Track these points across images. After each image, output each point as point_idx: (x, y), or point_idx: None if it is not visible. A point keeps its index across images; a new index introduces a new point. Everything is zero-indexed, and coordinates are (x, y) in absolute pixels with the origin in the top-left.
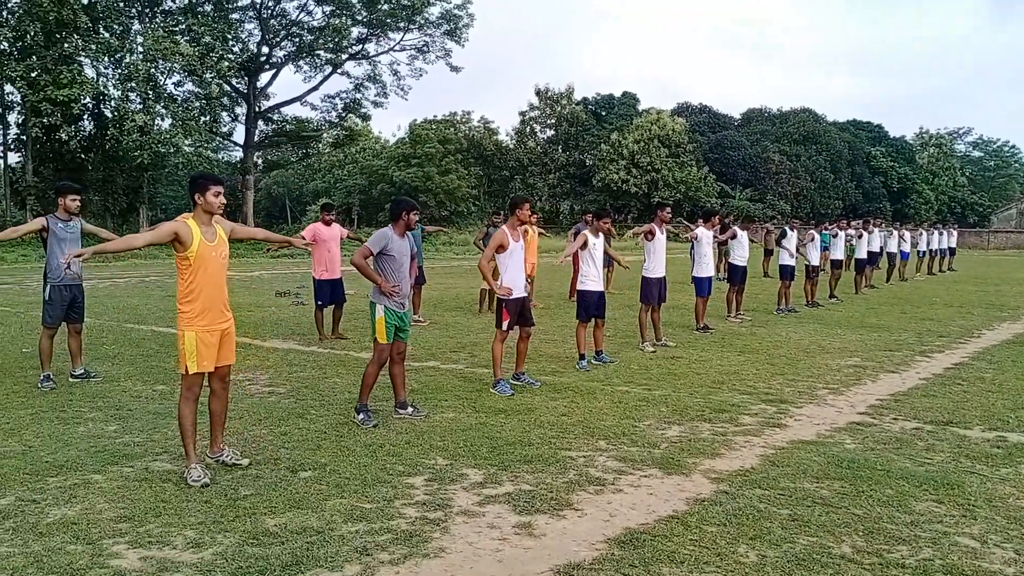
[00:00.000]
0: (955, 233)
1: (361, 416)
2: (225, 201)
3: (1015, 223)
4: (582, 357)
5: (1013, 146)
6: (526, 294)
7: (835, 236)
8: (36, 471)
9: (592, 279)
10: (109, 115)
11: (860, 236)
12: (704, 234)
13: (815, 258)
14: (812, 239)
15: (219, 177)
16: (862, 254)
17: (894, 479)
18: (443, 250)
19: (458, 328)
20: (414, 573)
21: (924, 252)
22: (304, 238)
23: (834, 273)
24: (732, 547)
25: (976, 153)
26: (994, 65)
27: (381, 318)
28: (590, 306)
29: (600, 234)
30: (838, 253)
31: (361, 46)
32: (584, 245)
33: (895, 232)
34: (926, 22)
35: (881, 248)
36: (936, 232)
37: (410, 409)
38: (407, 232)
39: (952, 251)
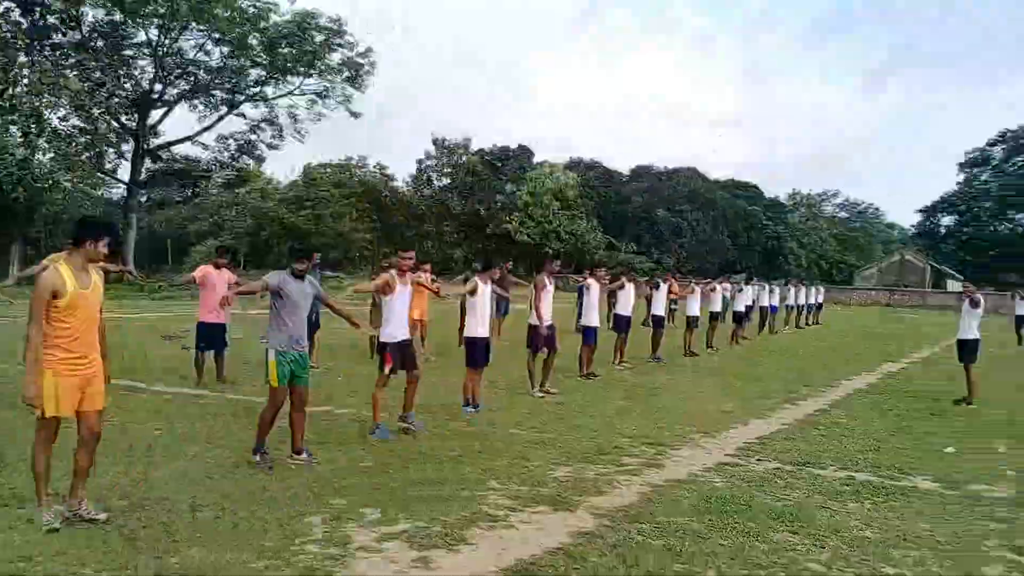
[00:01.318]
0: (823, 289)
1: (257, 457)
2: (107, 252)
3: (875, 281)
4: (466, 403)
5: (876, 208)
6: (409, 338)
7: (712, 290)
8: None
9: (480, 326)
10: None
11: (740, 291)
12: (593, 285)
13: (694, 310)
14: (692, 292)
15: (114, 228)
16: (739, 308)
17: (756, 513)
18: (336, 295)
19: (351, 374)
20: None
21: (793, 307)
22: (195, 279)
23: (711, 325)
24: (611, 574)
25: (843, 214)
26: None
27: (272, 361)
28: (478, 353)
29: (489, 282)
30: (716, 306)
31: (259, 88)
32: (473, 291)
33: (767, 287)
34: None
35: (754, 302)
36: (803, 288)
37: (305, 455)
38: (307, 277)
39: (819, 306)
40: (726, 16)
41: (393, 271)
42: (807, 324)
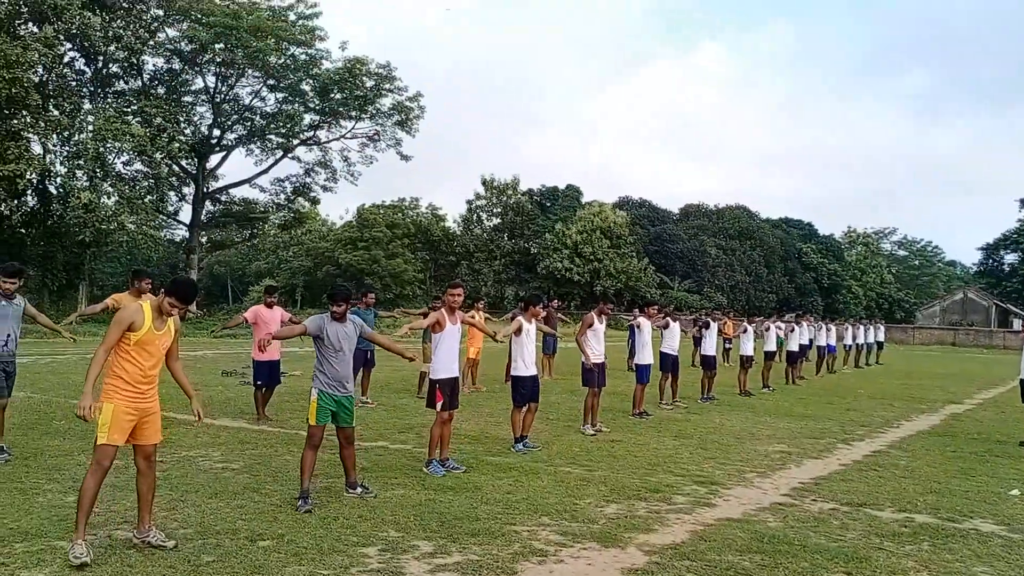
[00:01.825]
0: (882, 328)
1: (300, 502)
2: (173, 314)
3: (938, 320)
4: (517, 440)
5: (936, 246)
6: (458, 375)
7: (766, 329)
8: (2, 537)
9: (525, 364)
10: (54, 191)
11: (792, 330)
12: (645, 323)
13: (749, 349)
14: (745, 331)
15: (191, 294)
16: (793, 347)
17: (809, 553)
18: (389, 333)
19: (405, 409)
20: None
21: (851, 346)
22: (246, 319)
23: (766, 364)
24: None
25: (901, 252)
26: (917, 171)
27: (314, 400)
28: (524, 391)
29: (533, 320)
30: (770, 345)
31: (313, 132)
32: (518, 331)
33: (824, 326)
34: (852, 129)
35: (811, 341)
36: (863, 327)
37: (359, 489)
38: (349, 318)
39: (880, 345)
40: (776, 51)
41: (443, 309)
42: (867, 364)
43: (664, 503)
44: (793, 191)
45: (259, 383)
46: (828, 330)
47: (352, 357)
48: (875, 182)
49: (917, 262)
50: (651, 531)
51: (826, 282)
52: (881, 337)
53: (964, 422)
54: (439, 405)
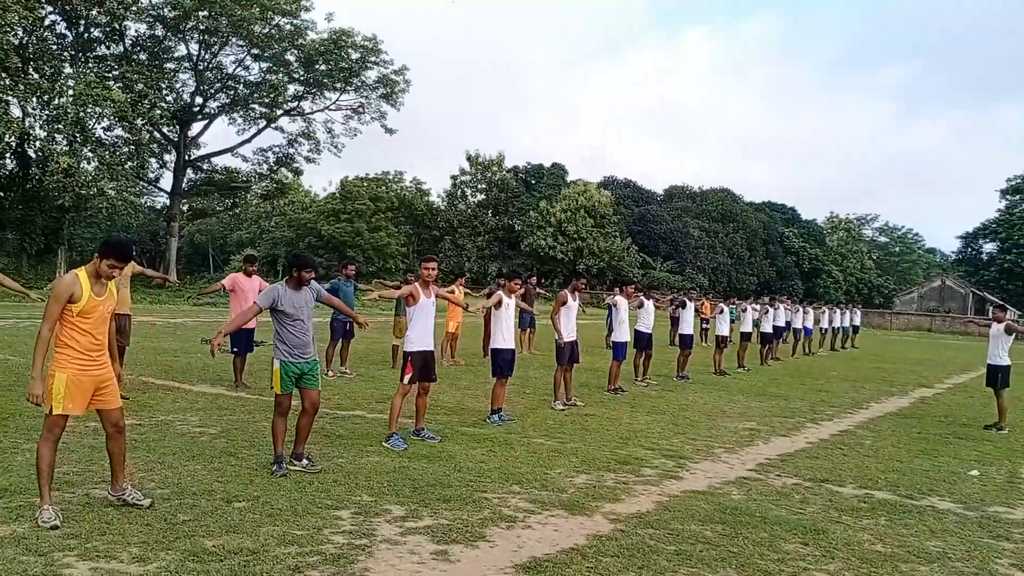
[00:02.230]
0: (859, 312)
1: (275, 467)
2: (114, 276)
3: (916, 306)
4: (493, 412)
5: (916, 234)
6: (431, 349)
7: (743, 311)
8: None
9: (504, 338)
10: (33, 155)
11: (766, 312)
12: (622, 302)
13: (725, 330)
14: (721, 311)
15: (126, 251)
16: (768, 328)
17: (769, 524)
18: (370, 305)
19: (383, 380)
20: None
21: (827, 329)
22: (224, 286)
23: (742, 345)
24: (622, 574)
25: (882, 239)
26: (899, 162)
27: (277, 370)
28: (503, 363)
29: (512, 295)
30: (746, 326)
31: (297, 103)
32: (498, 305)
33: (801, 309)
34: (836, 119)
35: (787, 323)
36: (839, 311)
37: (304, 461)
38: (303, 286)
39: (856, 329)
40: (763, 40)
41: (417, 283)
42: (843, 347)
43: (632, 475)
44: (777, 177)
45: (235, 350)
46: (805, 313)
47: (311, 324)
48: (857, 172)
49: (897, 249)
50: (618, 501)
51: (807, 266)
52: (857, 321)
53: (932, 405)
54: (407, 377)
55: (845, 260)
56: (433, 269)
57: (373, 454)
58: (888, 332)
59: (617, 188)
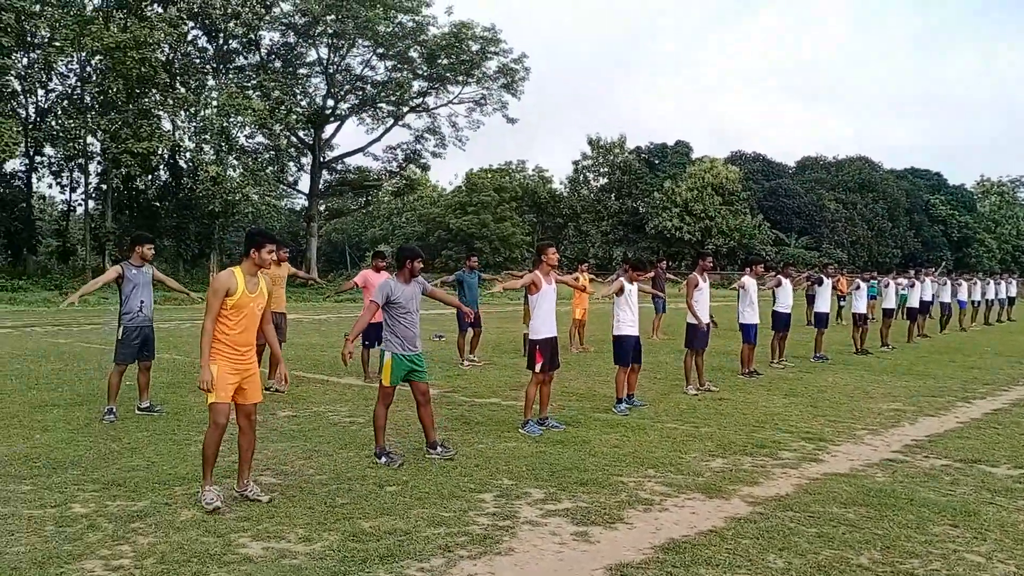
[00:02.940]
0: (1015, 283)
1: (383, 459)
2: (275, 259)
3: None
4: (619, 400)
5: None
6: (555, 335)
7: (886, 286)
8: (162, 481)
9: (628, 324)
10: (184, 166)
11: (912, 286)
12: (750, 283)
13: (862, 307)
14: (858, 288)
15: (274, 236)
16: (914, 303)
17: (916, 507)
18: (500, 296)
19: (516, 368)
20: (488, 566)
21: (980, 302)
22: (356, 283)
23: (885, 322)
24: (762, 556)
25: None
26: None
27: (388, 362)
28: (628, 351)
29: (635, 282)
30: (890, 302)
31: (421, 99)
32: (620, 291)
33: (949, 282)
34: (990, 67)
35: (934, 297)
36: (993, 282)
37: (439, 449)
38: (413, 278)
39: (1012, 301)
40: None
41: (538, 270)
42: (998, 320)
43: (770, 458)
44: (921, 139)
45: (366, 343)
46: (957, 285)
47: (418, 316)
48: (1014, 125)
49: None
50: (755, 484)
51: (956, 235)
52: (1013, 292)
53: None
54: (538, 366)
55: (999, 227)
56: (554, 255)
57: (511, 440)
58: None
59: (746, 163)
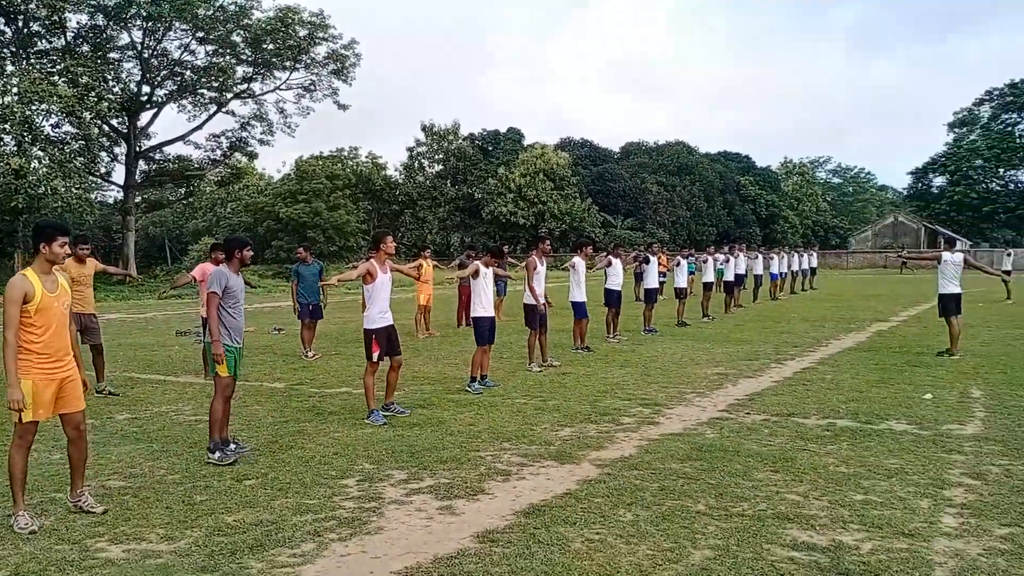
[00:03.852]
0: (815, 255)
1: (217, 455)
2: (69, 252)
3: (871, 244)
4: (472, 379)
5: (869, 172)
6: (392, 324)
7: (704, 262)
8: (3, 493)
9: (483, 307)
10: None
11: (727, 261)
12: (579, 263)
13: (682, 281)
14: (678, 264)
15: (65, 226)
16: (730, 277)
17: (742, 457)
18: (337, 286)
19: (360, 358)
20: (360, 545)
21: (786, 273)
22: (195, 277)
23: (705, 295)
24: (614, 511)
25: (836, 180)
26: (853, 101)
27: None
28: (484, 331)
29: (490, 266)
30: (708, 276)
31: (246, 85)
32: (476, 274)
33: (760, 256)
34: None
35: (747, 270)
36: (797, 254)
37: (233, 446)
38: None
39: (813, 271)
40: None
41: (373, 259)
42: (803, 289)
43: (613, 424)
44: (733, 126)
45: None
46: (769, 259)
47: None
48: (812, 113)
49: (851, 189)
50: (602, 448)
51: (764, 213)
52: (815, 264)
53: (887, 338)
54: (375, 355)
55: (800, 204)
56: (391, 244)
57: (367, 427)
58: (845, 271)
59: (574, 148)
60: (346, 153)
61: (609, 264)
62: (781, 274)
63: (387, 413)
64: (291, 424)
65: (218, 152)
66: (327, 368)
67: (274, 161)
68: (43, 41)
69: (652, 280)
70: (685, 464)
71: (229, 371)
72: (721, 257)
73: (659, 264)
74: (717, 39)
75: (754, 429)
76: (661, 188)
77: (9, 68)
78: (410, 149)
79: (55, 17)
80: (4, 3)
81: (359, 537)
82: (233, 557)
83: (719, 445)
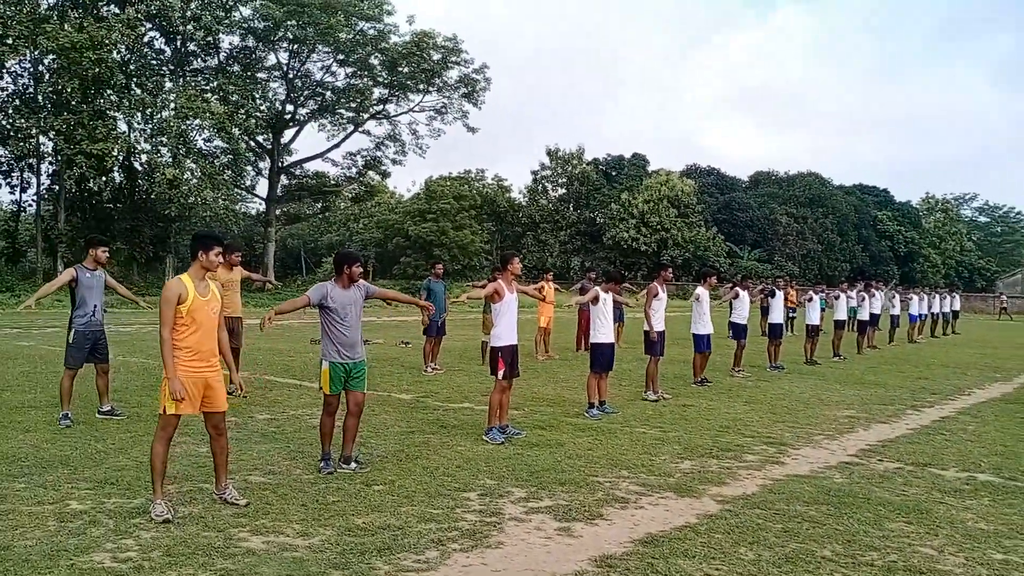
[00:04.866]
0: (958, 297)
1: (321, 464)
2: (223, 261)
3: (1021, 288)
4: (591, 406)
5: (1019, 212)
6: (517, 343)
7: (836, 298)
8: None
9: (604, 333)
10: (139, 168)
11: (863, 299)
12: (703, 294)
13: (815, 318)
14: (811, 299)
15: (221, 237)
16: (864, 316)
17: (873, 505)
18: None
19: (483, 375)
20: (481, 557)
21: (926, 315)
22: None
23: (836, 333)
24: (734, 548)
25: (982, 219)
26: (999, 135)
27: (325, 371)
28: (603, 358)
29: (610, 292)
30: (840, 314)
31: (382, 106)
32: (596, 300)
33: (897, 295)
34: (932, 93)
35: (883, 310)
36: (939, 296)
37: (354, 464)
38: (353, 284)
39: (956, 314)
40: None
41: (501, 279)
42: (944, 333)
43: (735, 460)
44: (871, 158)
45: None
46: (908, 299)
47: (359, 323)
48: (957, 148)
49: (999, 229)
50: (723, 484)
51: (903, 250)
52: (957, 307)
53: None
54: (500, 373)
55: (943, 242)
56: (518, 265)
57: (487, 443)
58: (992, 316)
59: (700, 176)
60: (473, 175)
61: (736, 296)
62: (921, 316)
63: (504, 435)
64: (417, 435)
65: (353, 170)
66: (450, 383)
67: (405, 180)
68: (198, 60)
69: (777, 315)
70: (811, 507)
71: (333, 389)
72: (854, 294)
73: (786, 299)
74: (855, 67)
75: (887, 477)
76: (791, 220)
77: (168, 85)
78: (534, 172)
79: (210, 38)
80: (165, 24)
81: (480, 550)
82: (362, 557)
83: (848, 491)
